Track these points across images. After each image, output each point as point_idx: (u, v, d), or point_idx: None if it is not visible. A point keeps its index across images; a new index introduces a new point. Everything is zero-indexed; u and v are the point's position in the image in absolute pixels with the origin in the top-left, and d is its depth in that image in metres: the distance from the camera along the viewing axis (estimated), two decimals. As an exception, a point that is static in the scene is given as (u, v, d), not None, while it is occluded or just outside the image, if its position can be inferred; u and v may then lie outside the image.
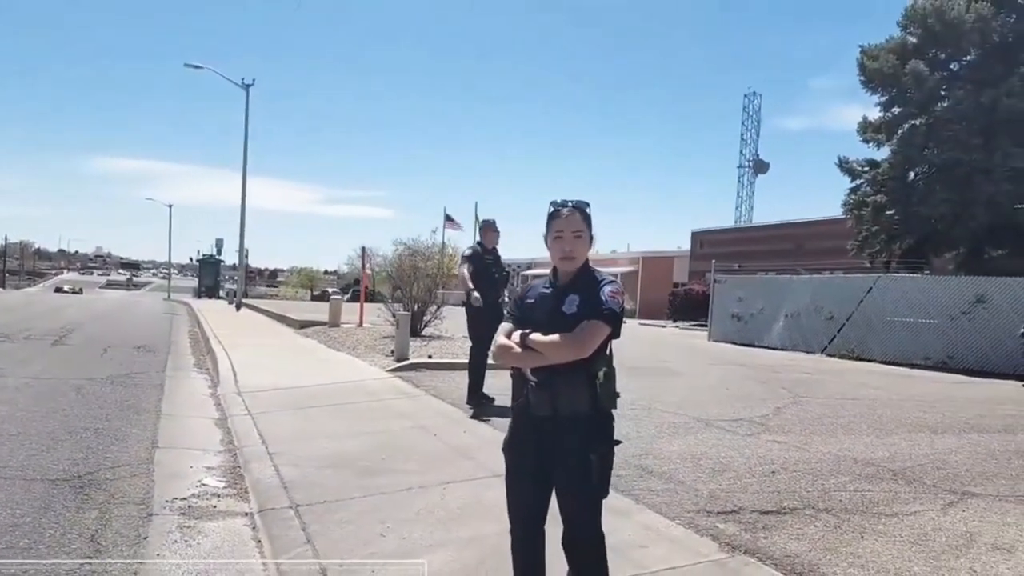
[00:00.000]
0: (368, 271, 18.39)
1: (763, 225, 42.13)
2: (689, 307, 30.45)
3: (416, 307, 14.38)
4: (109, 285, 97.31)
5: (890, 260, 23.81)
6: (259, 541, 3.79)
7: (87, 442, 5.55)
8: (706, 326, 21.37)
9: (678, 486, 4.72)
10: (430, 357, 10.54)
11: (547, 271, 2.71)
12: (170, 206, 60.63)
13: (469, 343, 7.57)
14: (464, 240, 28.43)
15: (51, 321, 17.58)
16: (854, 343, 15.71)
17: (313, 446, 5.67)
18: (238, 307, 28.58)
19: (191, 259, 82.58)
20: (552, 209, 2.58)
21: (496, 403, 6.97)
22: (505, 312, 2.87)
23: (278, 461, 5.15)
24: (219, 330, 15.64)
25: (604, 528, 2.57)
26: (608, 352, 2.53)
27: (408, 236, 15.51)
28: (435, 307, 15.02)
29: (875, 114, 23.91)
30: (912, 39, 22.89)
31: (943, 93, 22.40)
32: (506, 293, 7.45)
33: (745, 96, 62.63)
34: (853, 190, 24.42)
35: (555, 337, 2.43)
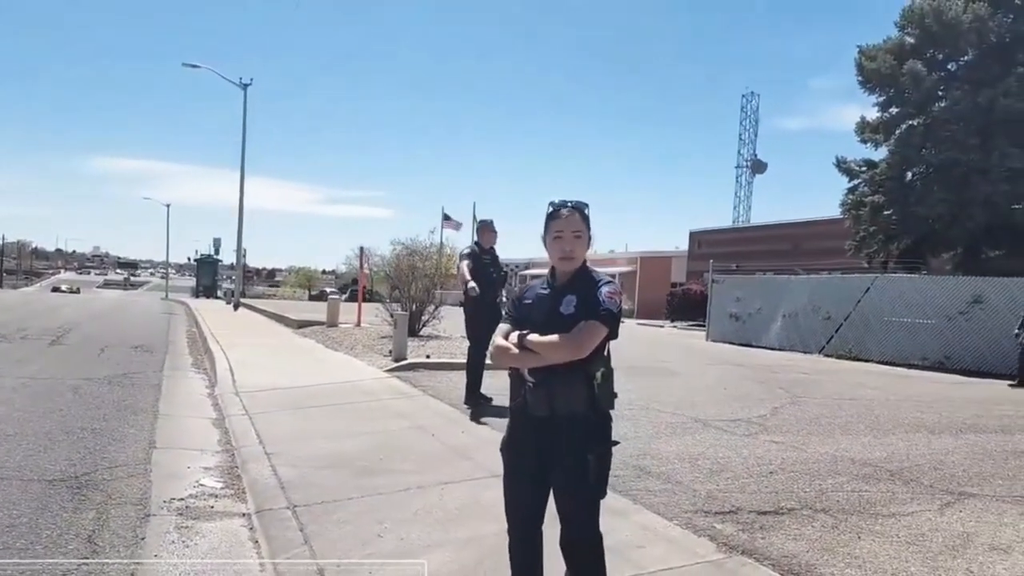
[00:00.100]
0: (366, 271, 18.39)
1: (761, 225, 42.18)
2: (687, 307, 30.49)
3: (414, 307, 14.37)
4: (106, 285, 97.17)
5: (888, 260, 23.86)
6: (256, 541, 3.78)
7: (84, 442, 5.54)
8: (704, 326, 21.40)
9: (676, 486, 4.73)
10: (428, 357, 10.54)
11: (545, 271, 2.71)
12: (168, 206, 60.66)
13: (467, 343, 7.57)
14: (462, 240, 28.45)
15: (48, 321, 17.54)
16: (852, 343, 15.74)
17: (311, 446, 5.66)
18: (236, 307, 28.56)
19: (189, 259, 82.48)
20: (551, 209, 2.58)
21: (494, 403, 6.97)
22: (503, 312, 2.87)
23: (276, 461, 5.15)
24: (217, 330, 15.62)
25: (602, 528, 2.57)
26: (606, 353, 2.54)
27: (406, 236, 15.53)
28: (433, 307, 15.01)
29: (873, 114, 23.98)
30: (910, 39, 22.93)
31: (940, 93, 22.44)
32: (504, 293, 7.45)
33: (743, 96, 62.73)
34: (851, 190, 24.46)
35: (553, 338, 2.43)
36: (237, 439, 5.92)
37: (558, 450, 2.50)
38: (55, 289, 65.27)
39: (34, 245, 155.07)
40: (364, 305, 17.36)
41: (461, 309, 7.80)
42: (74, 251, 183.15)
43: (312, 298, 48.31)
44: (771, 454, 5.76)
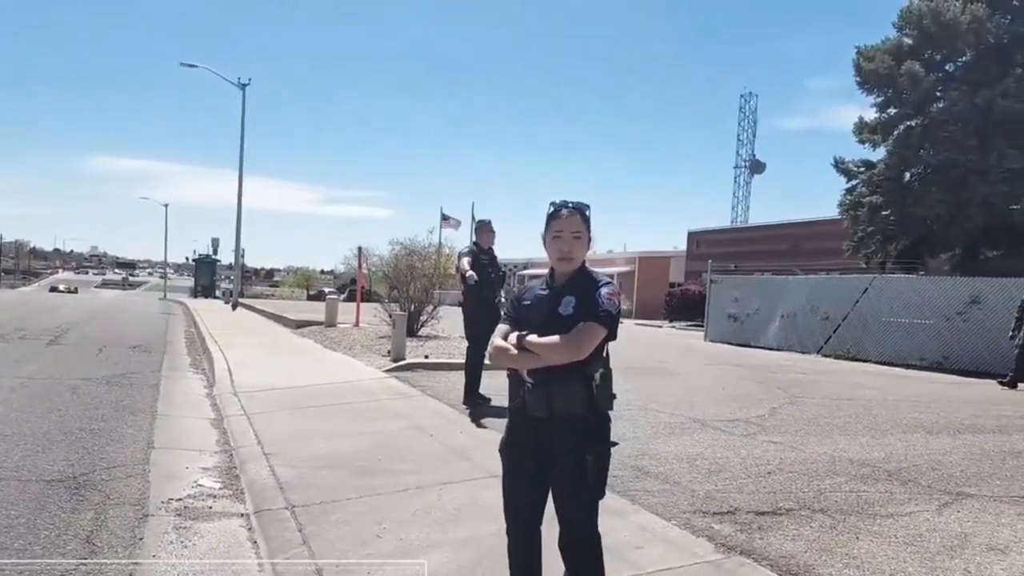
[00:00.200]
0: (364, 271, 18.39)
1: (759, 225, 42.17)
2: (685, 307, 30.49)
3: (412, 307, 14.36)
4: (105, 285, 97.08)
5: (886, 261, 23.88)
6: (255, 542, 3.78)
7: (83, 443, 5.54)
8: (702, 326, 21.41)
9: (674, 487, 4.73)
10: (426, 357, 10.54)
11: (543, 271, 2.71)
12: (166, 205, 60.72)
13: (465, 343, 7.57)
14: (461, 240, 28.43)
15: (46, 320, 17.52)
16: (850, 343, 15.75)
17: (309, 446, 5.66)
18: (234, 307, 28.54)
19: (187, 259, 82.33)
20: (552, 209, 2.58)
21: (492, 403, 6.98)
22: (502, 313, 2.87)
23: (274, 462, 5.15)
24: (215, 330, 15.61)
25: (600, 529, 2.57)
26: (605, 354, 2.54)
27: (405, 236, 15.53)
28: (431, 307, 15.00)
29: (871, 115, 23.97)
30: (908, 40, 22.94)
31: (939, 94, 22.45)
32: (502, 293, 7.45)
33: (741, 96, 62.80)
34: (849, 191, 24.47)
35: (551, 339, 2.44)
36: (235, 439, 5.92)
37: (557, 451, 2.50)
38: (53, 289, 65.16)
39: (32, 245, 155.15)
40: (362, 305, 17.35)
41: (460, 309, 7.81)
42: (72, 251, 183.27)
43: (310, 298, 48.25)
44: (769, 454, 5.77)
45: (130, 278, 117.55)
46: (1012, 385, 11.16)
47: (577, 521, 2.52)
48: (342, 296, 25.87)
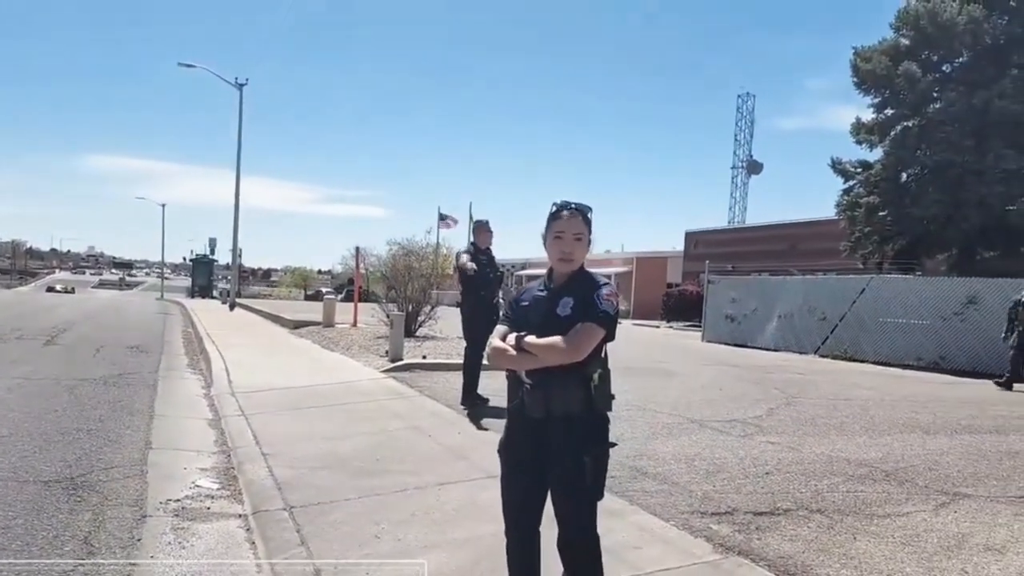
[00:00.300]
0: (362, 271, 18.38)
1: (757, 226, 42.19)
2: (683, 308, 30.53)
3: (410, 307, 14.36)
4: (102, 285, 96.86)
5: (883, 261, 23.92)
6: (253, 542, 3.78)
7: (80, 443, 5.53)
8: (700, 327, 21.44)
9: (672, 487, 4.74)
10: (424, 358, 10.54)
11: (541, 272, 2.71)
12: (163, 205, 60.67)
13: (463, 344, 7.57)
14: (458, 240, 28.43)
15: (43, 320, 17.48)
16: (847, 344, 15.78)
17: (307, 447, 5.66)
18: (231, 307, 28.50)
19: (184, 259, 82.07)
20: (554, 209, 2.59)
21: (491, 404, 6.98)
22: (500, 314, 2.87)
23: (272, 462, 5.15)
24: (212, 330, 15.59)
25: (599, 529, 2.57)
26: (603, 354, 2.55)
27: (403, 236, 15.54)
28: (429, 307, 15.01)
29: (868, 115, 24.00)
30: (905, 41, 22.98)
31: (935, 95, 22.50)
32: (500, 293, 7.46)
33: (739, 97, 62.82)
34: (846, 191, 24.51)
35: (549, 340, 2.44)
36: (233, 440, 5.91)
37: (555, 451, 2.50)
38: (50, 289, 64.98)
39: (29, 244, 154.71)
40: (360, 305, 17.34)
41: (457, 310, 7.81)
42: (69, 251, 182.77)
43: (308, 298, 48.15)
44: (767, 455, 5.78)
45: (127, 278, 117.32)
46: (1008, 386, 11.17)
47: (576, 522, 2.52)
48: (340, 296, 25.82)
